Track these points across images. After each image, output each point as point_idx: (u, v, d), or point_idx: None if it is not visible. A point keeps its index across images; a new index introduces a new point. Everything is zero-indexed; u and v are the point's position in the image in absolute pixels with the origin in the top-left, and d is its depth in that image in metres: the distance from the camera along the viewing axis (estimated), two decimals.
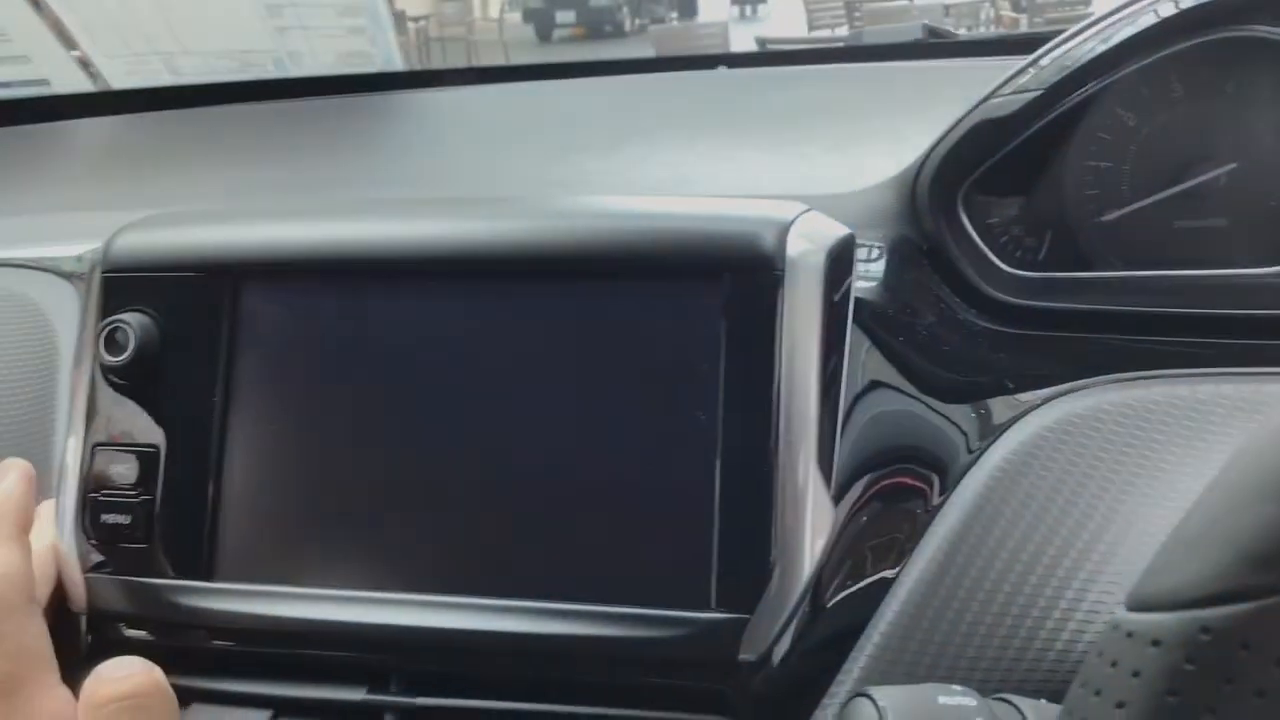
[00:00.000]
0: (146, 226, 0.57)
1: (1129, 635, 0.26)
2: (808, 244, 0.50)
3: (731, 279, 0.49)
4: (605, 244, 0.51)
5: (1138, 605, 0.27)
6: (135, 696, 0.42)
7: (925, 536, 0.51)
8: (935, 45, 1.07)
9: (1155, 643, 0.25)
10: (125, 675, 0.43)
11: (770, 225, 0.50)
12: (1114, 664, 0.26)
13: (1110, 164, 0.62)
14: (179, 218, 0.58)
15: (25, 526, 0.48)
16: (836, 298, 0.51)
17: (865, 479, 0.51)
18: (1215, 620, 0.25)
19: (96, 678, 0.43)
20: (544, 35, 11.31)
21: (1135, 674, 0.26)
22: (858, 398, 0.53)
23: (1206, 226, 0.61)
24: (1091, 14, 0.62)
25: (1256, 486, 0.25)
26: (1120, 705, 0.26)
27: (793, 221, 0.51)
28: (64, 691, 0.44)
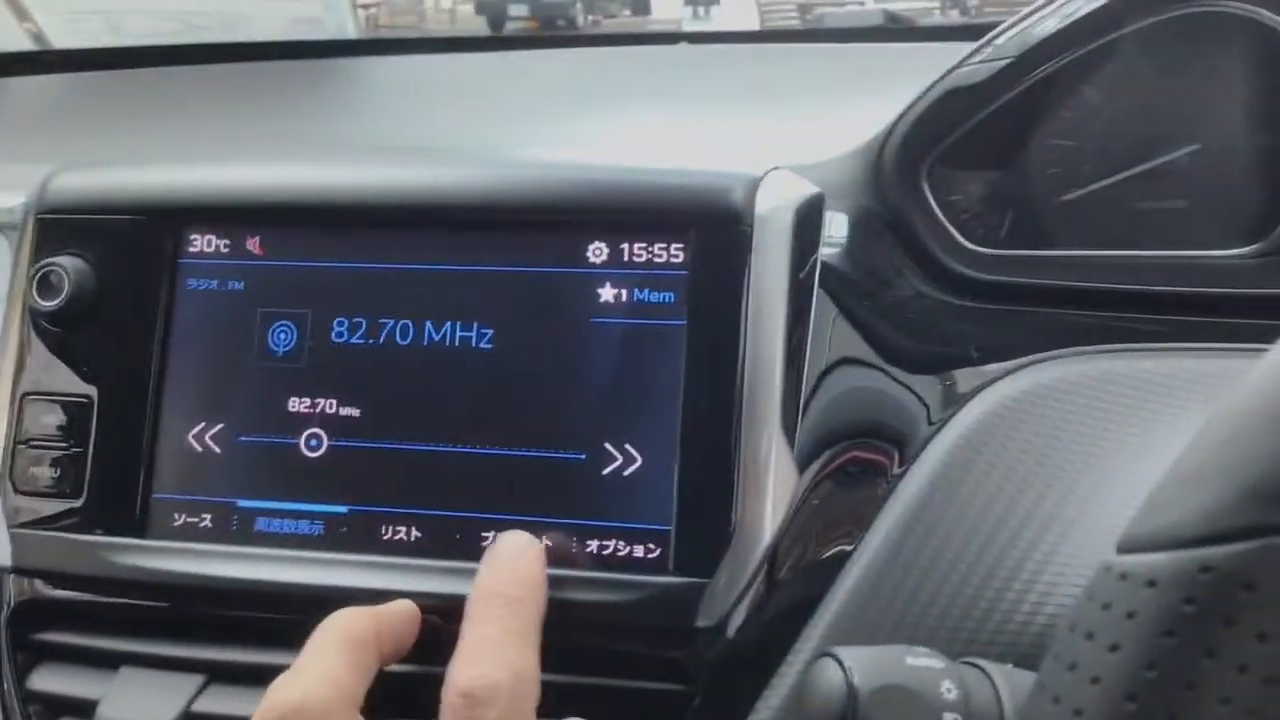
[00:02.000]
0: (85, 169, 0.55)
1: (1122, 577, 0.25)
2: (778, 200, 0.49)
3: (699, 233, 0.48)
4: (572, 195, 0.50)
5: (1131, 546, 0.25)
6: None
7: (885, 507, 0.50)
8: (894, 30, 1.06)
9: (1151, 583, 0.24)
10: None
11: (740, 180, 0.49)
12: (1106, 606, 0.25)
13: (1073, 143, 0.61)
14: (119, 162, 0.55)
15: (543, 619, 0.43)
16: (805, 257, 0.50)
17: (825, 449, 0.50)
18: (1216, 559, 0.23)
19: None
20: (496, 27, 11.22)
21: (1130, 615, 0.24)
22: (820, 365, 0.51)
23: (1167, 208, 0.61)
24: None
25: (1262, 416, 0.24)
26: (1114, 648, 0.24)
27: (762, 178, 0.50)
28: None
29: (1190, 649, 0.24)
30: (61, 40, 1.09)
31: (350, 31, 1.10)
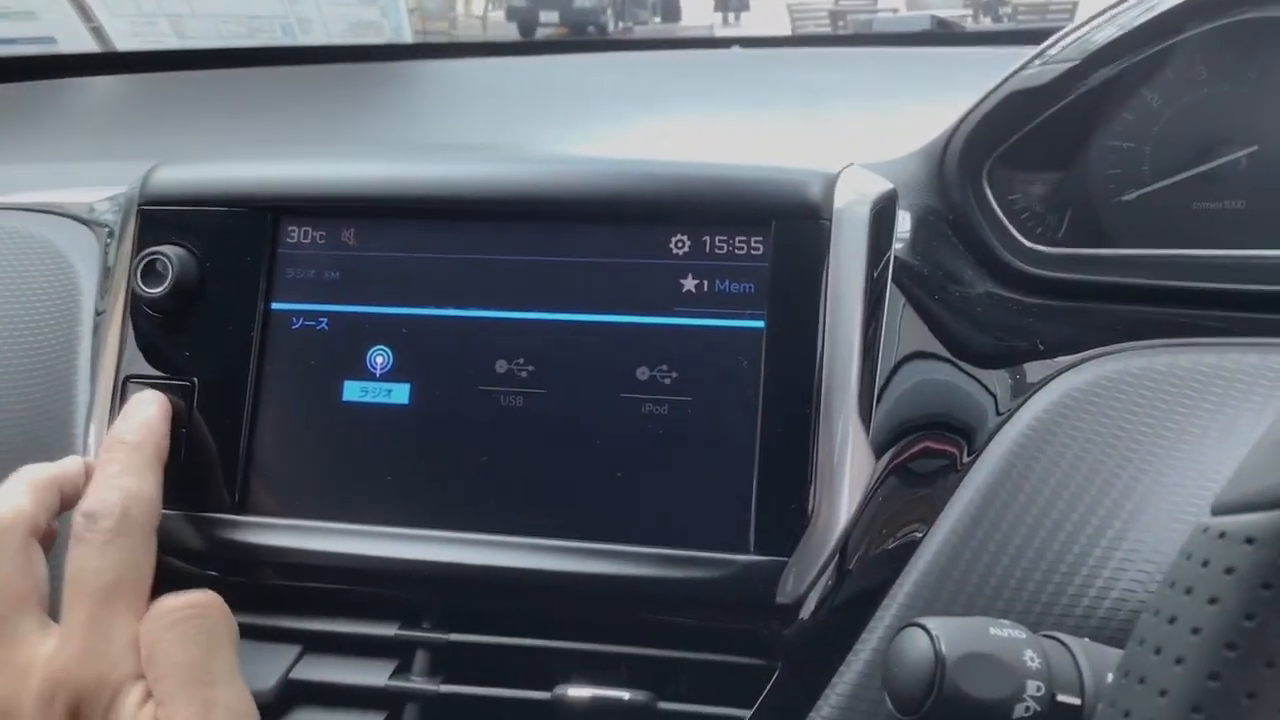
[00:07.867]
0: (186, 163, 0.57)
1: (1221, 535, 0.27)
2: (854, 195, 0.51)
3: (779, 227, 0.50)
4: (657, 190, 0.52)
5: (1227, 508, 0.27)
6: (195, 607, 0.43)
7: (957, 493, 0.51)
8: (943, 35, 1.08)
9: (1249, 540, 0.26)
10: (187, 593, 0.44)
11: (818, 176, 0.51)
12: (1205, 563, 0.27)
13: (1133, 144, 0.63)
14: (217, 155, 0.58)
15: (162, 456, 0.50)
16: (880, 252, 0.52)
17: (899, 437, 0.52)
18: None
19: (160, 599, 0.44)
20: (527, 34, 11.31)
21: (1228, 570, 0.26)
22: (892, 357, 0.53)
23: (1225, 208, 0.62)
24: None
25: None
26: (1213, 600, 0.26)
27: (839, 174, 0.51)
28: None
29: None
30: (127, 43, 1.12)
31: (407, 36, 1.12)
